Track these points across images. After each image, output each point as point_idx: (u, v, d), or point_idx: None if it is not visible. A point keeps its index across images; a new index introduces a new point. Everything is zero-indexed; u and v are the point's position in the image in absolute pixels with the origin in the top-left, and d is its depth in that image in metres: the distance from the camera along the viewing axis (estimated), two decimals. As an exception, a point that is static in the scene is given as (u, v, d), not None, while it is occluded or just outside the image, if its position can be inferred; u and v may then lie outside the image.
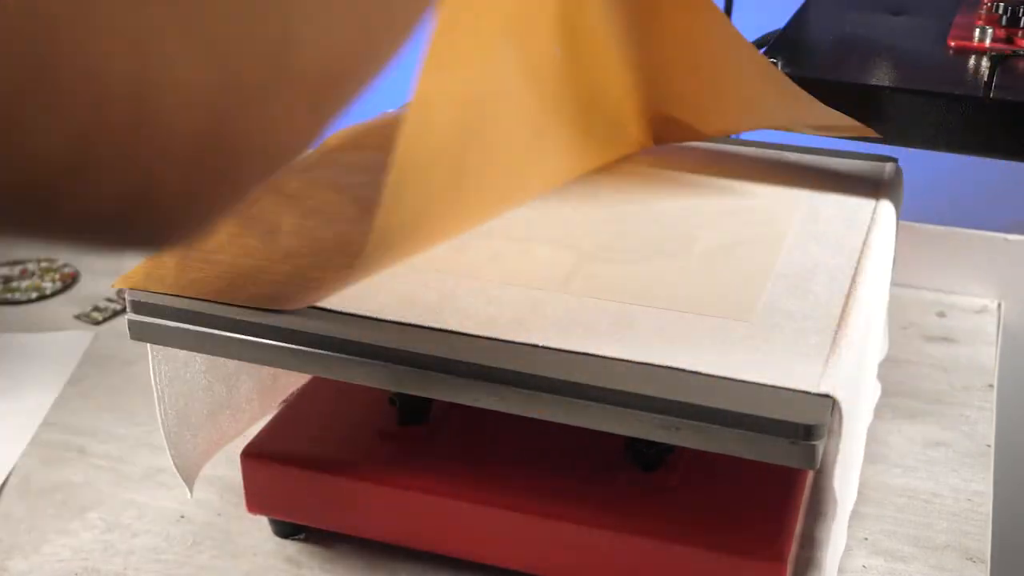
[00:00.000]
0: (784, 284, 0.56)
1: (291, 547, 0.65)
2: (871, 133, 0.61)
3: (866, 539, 0.65)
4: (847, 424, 0.49)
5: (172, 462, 0.62)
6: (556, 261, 0.58)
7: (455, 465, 0.61)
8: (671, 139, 0.69)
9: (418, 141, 0.47)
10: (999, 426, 0.77)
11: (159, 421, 0.60)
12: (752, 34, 0.80)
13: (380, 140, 0.68)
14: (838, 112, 0.60)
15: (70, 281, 0.95)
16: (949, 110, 0.59)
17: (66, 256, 0.99)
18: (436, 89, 0.47)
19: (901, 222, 0.68)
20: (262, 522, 0.66)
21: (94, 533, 0.67)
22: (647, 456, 0.59)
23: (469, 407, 0.53)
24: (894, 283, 0.69)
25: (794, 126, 0.64)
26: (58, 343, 0.86)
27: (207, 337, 0.55)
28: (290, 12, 0.21)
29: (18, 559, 0.65)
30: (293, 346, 0.54)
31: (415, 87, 0.45)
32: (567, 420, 0.50)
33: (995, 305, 0.89)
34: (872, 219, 0.62)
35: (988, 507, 0.67)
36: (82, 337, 0.87)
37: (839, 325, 0.52)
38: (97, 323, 0.89)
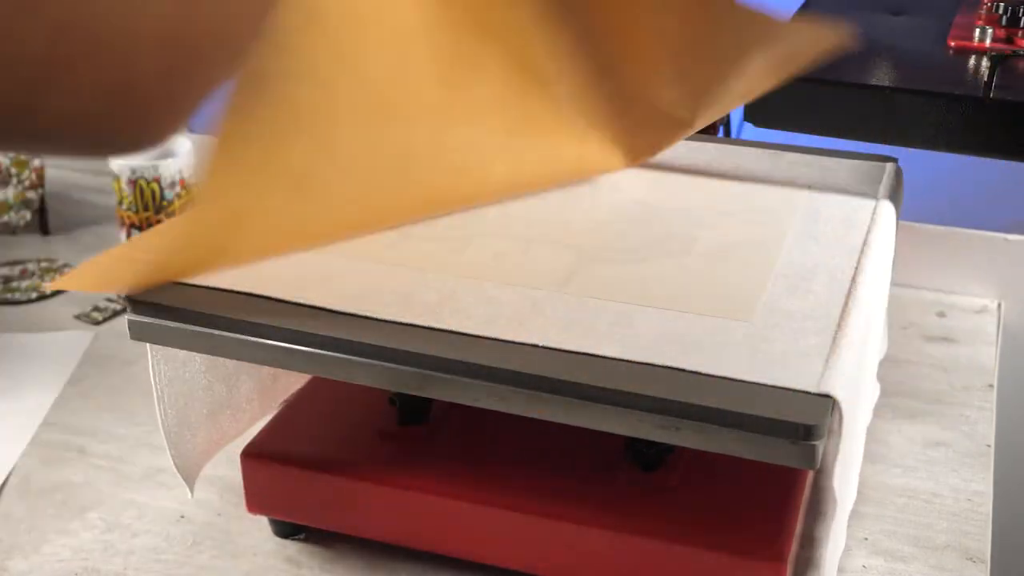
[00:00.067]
0: (784, 284, 0.56)
1: (291, 547, 0.65)
2: (831, 42, 0.58)
3: (866, 539, 0.65)
4: (847, 424, 0.49)
5: (172, 462, 0.62)
6: (556, 261, 0.58)
7: (455, 465, 0.61)
8: (656, 139, 0.67)
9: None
10: (999, 426, 0.77)
11: (159, 421, 0.60)
12: (752, 34, 0.79)
13: None
14: (799, 25, 0.58)
15: (70, 281, 0.95)
16: (949, 110, 0.59)
17: (66, 256, 0.99)
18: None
19: (901, 222, 0.68)
20: (262, 522, 0.66)
21: (94, 533, 0.67)
22: (647, 456, 0.59)
23: (469, 407, 0.53)
24: (894, 283, 0.69)
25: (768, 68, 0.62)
26: (58, 343, 0.86)
27: (207, 337, 0.55)
28: None
29: (18, 559, 0.65)
30: (293, 346, 0.54)
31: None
32: (567, 420, 0.50)
33: (995, 305, 0.89)
34: (872, 219, 0.62)
35: (988, 507, 0.67)
36: (82, 337, 0.87)
37: (839, 325, 0.52)
38: (97, 323, 0.89)
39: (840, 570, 0.62)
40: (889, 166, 0.67)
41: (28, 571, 0.64)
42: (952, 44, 0.65)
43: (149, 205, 0.97)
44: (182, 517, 0.68)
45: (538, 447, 0.62)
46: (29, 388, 0.81)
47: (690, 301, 0.54)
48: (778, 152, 0.70)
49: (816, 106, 0.61)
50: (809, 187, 0.66)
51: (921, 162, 0.74)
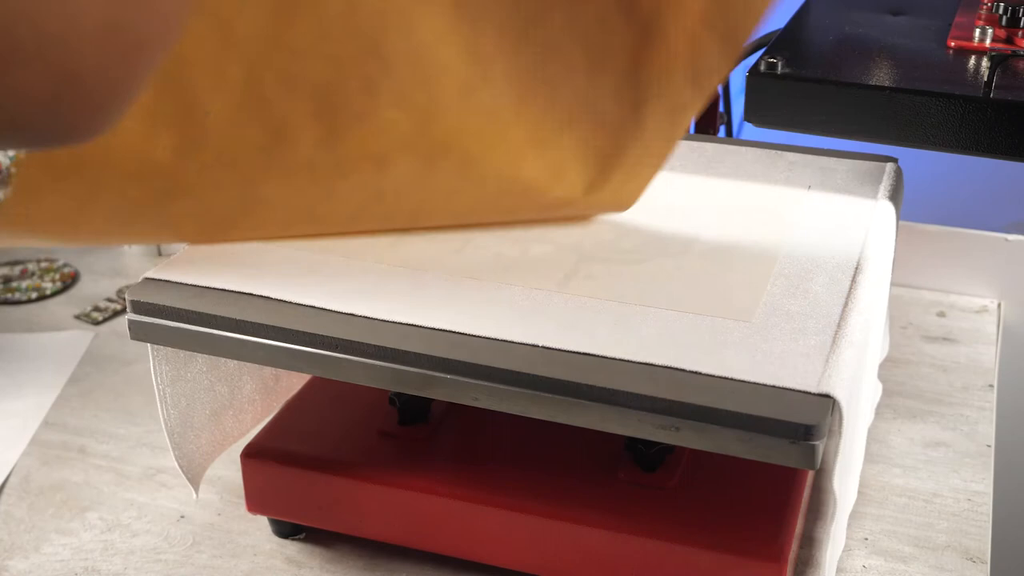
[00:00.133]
0: (784, 284, 0.56)
1: (291, 547, 0.65)
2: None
3: (866, 539, 0.65)
4: (847, 424, 0.49)
5: (176, 463, 0.62)
6: (556, 261, 0.58)
7: (455, 465, 0.61)
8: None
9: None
10: (999, 426, 0.77)
11: (161, 422, 0.60)
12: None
13: None
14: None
15: (70, 281, 0.95)
16: (949, 110, 0.59)
17: (66, 256, 0.99)
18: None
19: (901, 222, 0.68)
20: (262, 522, 0.66)
21: (94, 533, 0.67)
22: (647, 456, 0.59)
23: (469, 407, 0.53)
24: (894, 283, 0.69)
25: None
26: (58, 343, 0.86)
27: (207, 337, 0.55)
28: None
29: (18, 559, 0.65)
30: (293, 346, 0.54)
31: None
32: (567, 420, 0.50)
33: (995, 305, 0.89)
34: (872, 219, 0.62)
35: (988, 507, 0.67)
36: (82, 337, 0.87)
37: (839, 325, 0.52)
38: (97, 323, 0.89)
39: (840, 570, 0.62)
40: (889, 166, 0.67)
41: (28, 571, 0.64)
42: (952, 44, 0.65)
43: (149, 205, 0.97)
44: (182, 517, 0.68)
45: (538, 447, 0.62)
46: (29, 388, 0.81)
47: (690, 301, 0.54)
48: (778, 152, 0.70)
49: (816, 106, 0.61)
50: (809, 187, 0.66)
51: (921, 162, 0.74)
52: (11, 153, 0.44)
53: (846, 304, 0.54)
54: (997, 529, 0.67)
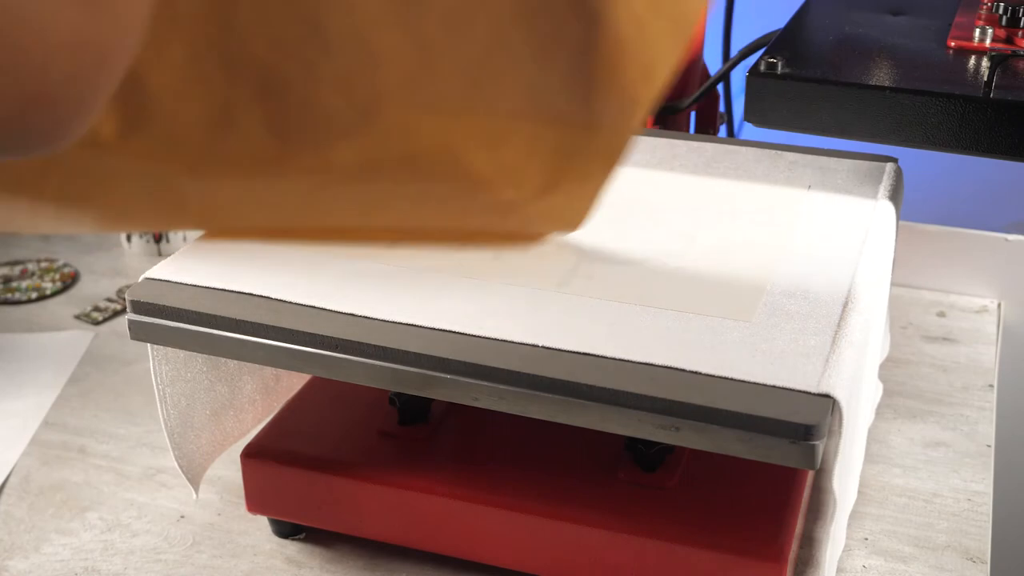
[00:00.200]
0: (784, 284, 0.56)
1: (291, 547, 0.65)
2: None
3: (866, 539, 0.65)
4: (847, 424, 0.49)
5: (176, 463, 0.62)
6: (556, 261, 0.58)
7: (455, 465, 0.61)
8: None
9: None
10: (999, 426, 0.77)
11: (161, 422, 0.60)
12: (752, 34, 0.80)
13: None
14: None
15: (70, 281, 0.95)
16: (949, 110, 0.59)
17: (66, 256, 0.99)
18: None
19: (901, 222, 0.68)
20: (262, 522, 0.66)
21: (94, 533, 0.67)
22: (647, 456, 0.59)
23: (469, 407, 0.53)
24: (894, 283, 0.69)
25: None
26: (58, 343, 0.86)
27: (207, 337, 0.55)
28: None
29: (18, 559, 0.65)
30: (293, 346, 0.54)
31: None
32: (567, 420, 0.50)
33: (995, 305, 0.89)
34: (872, 219, 0.62)
35: (988, 507, 0.67)
36: (82, 337, 0.87)
37: (839, 325, 0.52)
38: (97, 323, 0.89)
39: (840, 570, 0.62)
40: (889, 166, 0.67)
41: (28, 571, 0.64)
42: (952, 44, 0.65)
43: (149, 205, 0.97)
44: (182, 517, 0.68)
45: (538, 447, 0.62)
46: (29, 388, 0.81)
47: (690, 301, 0.54)
48: (778, 152, 0.70)
49: (816, 106, 0.61)
50: (809, 187, 0.66)
51: (921, 162, 0.74)
52: None
53: (846, 304, 0.54)
54: (997, 529, 0.67)
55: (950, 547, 0.64)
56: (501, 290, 0.56)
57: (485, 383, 0.51)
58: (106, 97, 0.30)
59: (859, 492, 0.67)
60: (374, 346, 0.52)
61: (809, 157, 0.69)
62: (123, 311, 0.89)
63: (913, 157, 0.66)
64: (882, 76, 0.62)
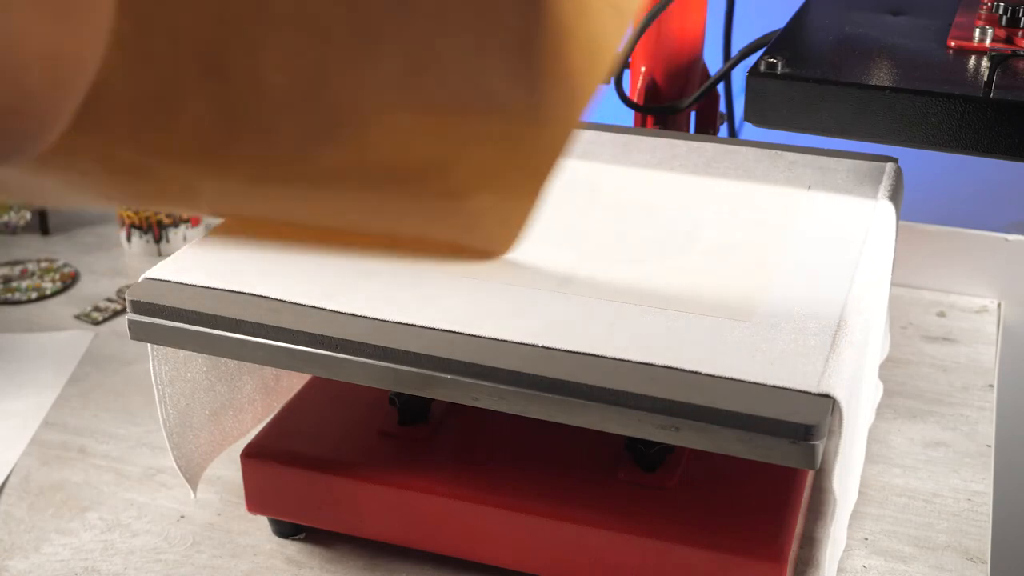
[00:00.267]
0: (784, 284, 0.56)
1: (291, 547, 0.65)
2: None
3: (866, 539, 0.65)
4: (847, 424, 0.49)
5: (175, 463, 0.62)
6: (556, 261, 0.58)
7: (455, 465, 0.61)
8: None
9: None
10: (999, 426, 0.77)
11: (160, 422, 0.60)
12: (752, 34, 0.80)
13: None
14: None
15: (70, 281, 0.95)
16: (949, 110, 0.59)
17: (66, 256, 0.99)
18: None
19: (901, 222, 0.68)
20: (262, 522, 0.66)
21: (94, 533, 0.67)
22: (647, 456, 0.59)
23: (469, 407, 0.53)
24: (894, 283, 0.69)
25: None
26: (58, 343, 0.86)
27: (207, 337, 0.55)
28: None
29: (18, 559, 0.65)
30: (293, 346, 0.54)
31: None
32: (567, 420, 0.50)
33: (995, 305, 0.89)
34: (872, 219, 0.62)
35: (988, 507, 0.67)
36: (82, 337, 0.87)
37: (839, 325, 0.52)
38: (97, 323, 0.89)
39: (840, 570, 0.62)
40: (889, 166, 0.67)
41: (28, 571, 0.64)
42: (952, 44, 0.65)
43: (149, 205, 0.97)
44: (182, 517, 0.68)
45: (538, 447, 0.62)
46: (29, 388, 0.81)
47: (690, 301, 0.54)
48: (778, 152, 0.70)
49: (816, 106, 0.61)
50: (809, 187, 0.66)
51: (921, 162, 0.74)
52: None
53: (846, 304, 0.54)
54: (997, 529, 0.67)
55: (950, 547, 0.64)
56: (501, 290, 0.56)
57: (485, 383, 0.51)
58: (76, 104, 0.30)
59: (859, 492, 0.67)
60: (374, 346, 0.52)
61: (809, 157, 0.69)
62: (123, 311, 0.89)
63: (913, 157, 0.66)
64: (882, 76, 0.62)
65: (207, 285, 0.57)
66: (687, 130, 0.88)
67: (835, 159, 0.69)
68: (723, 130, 0.93)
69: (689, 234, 0.61)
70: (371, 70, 0.49)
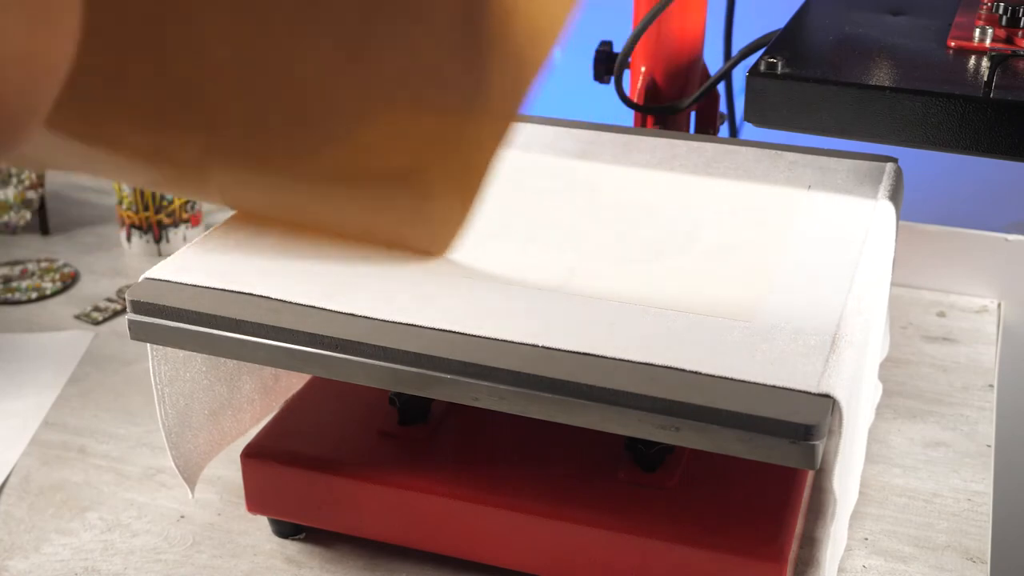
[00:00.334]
0: (784, 284, 0.56)
1: (291, 547, 0.65)
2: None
3: (866, 539, 0.65)
4: (847, 424, 0.49)
5: (173, 463, 0.62)
6: (556, 261, 0.58)
7: (455, 465, 0.61)
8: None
9: None
10: (999, 426, 0.77)
11: (159, 421, 0.60)
12: (752, 34, 0.80)
13: None
14: None
15: (70, 281, 0.95)
16: (949, 110, 0.59)
17: (66, 256, 0.99)
18: None
19: (901, 222, 0.68)
20: (262, 522, 0.66)
21: (94, 533, 0.67)
22: (647, 456, 0.59)
23: (469, 407, 0.53)
24: (894, 283, 0.69)
25: None
26: (58, 343, 0.86)
27: (207, 337, 0.55)
28: None
29: (18, 559, 0.65)
30: (293, 346, 0.54)
31: None
32: (567, 420, 0.50)
33: (995, 305, 0.89)
34: (872, 219, 0.62)
35: (988, 507, 0.67)
36: (82, 337, 0.87)
37: (839, 325, 0.52)
38: (97, 323, 0.89)
39: (840, 570, 0.62)
40: (889, 166, 0.67)
41: (28, 571, 0.64)
42: (952, 44, 0.65)
43: (149, 205, 0.97)
44: (182, 517, 0.68)
45: (538, 447, 0.62)
46: (29, 388, 0.81)
47: (690, 301, 0.54)
48: (778, 152, 0.70)
49: (816, 106, 0.61)
50: (809, 187, 0.66)
51: (921, 162, 0.74)
52: None
53: (846, 304, 0.54)
54: (997, 529, 0.67)
55: (950, 547, 0.64)
56: (501, 290, 0.56)
57: (485, 383, 0.51)
58: (50, 103, 0.31)
59: (859, 492, 0.67)
60: (374, 346, 0.52)
61: (809, 157, 0.69)
62: (123, 311, 0.89)
63: (913, 157, 0.66)
64: (882, 76, 0.62)
65: (207, 285, 0.57)
66: (687, 130, 0.88)
67: (835, 159, 0.69)
68: (723, 130, 0.93)
69: (689, 234, 0.61)
70: (309, 48, 0.48)
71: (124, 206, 0.97)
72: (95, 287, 0.94)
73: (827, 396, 0.47)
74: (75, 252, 1.00)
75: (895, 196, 0.65)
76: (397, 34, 0.50)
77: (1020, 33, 0.65)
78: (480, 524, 0.59)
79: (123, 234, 0.99)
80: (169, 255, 0.62)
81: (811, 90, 0.61)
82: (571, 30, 0.52)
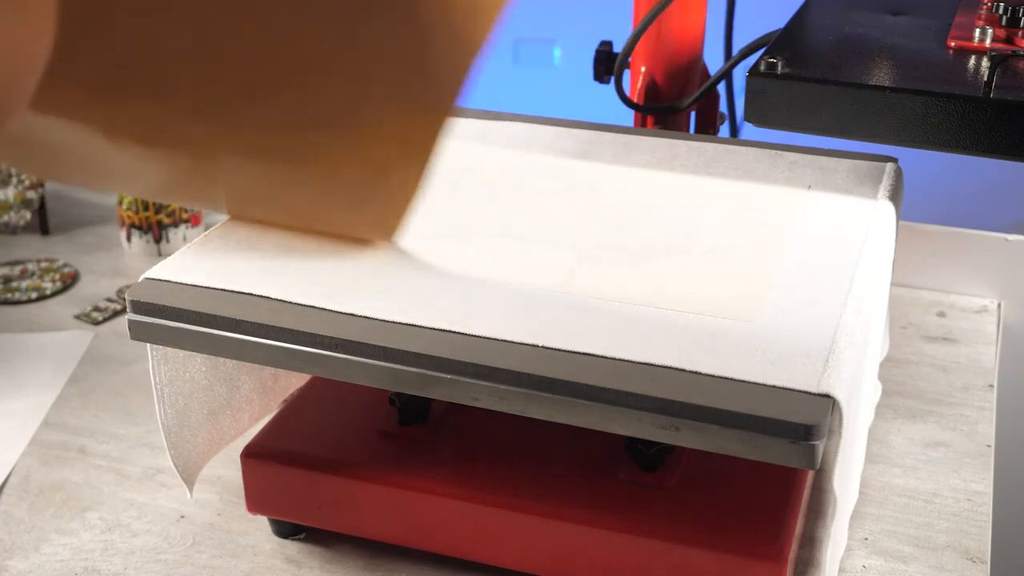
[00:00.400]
0: (784, 284, 0.56)
1: (291, 547, 0.65)
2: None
3: (866, 539, 0.65)
4: (847, 424, 0.49)
5: (172, 462, 0.62)
6: (556, 261, 0.58)
7: (455, 465, 0.61)
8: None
9: None
10: (999, 426, 0.77)
11: (159, 421, 0.60)
12: (752, 34, 0.80)
13: None
14: None
15: (70, 281, 0.95)
16: (949, 110, 0.59)
17: (66, 256, 0.99)
18: None
19: (901, 222, 0.68)
20: (262, 522, 0.66)
21: (94, 533, 0.67)
22: (647, 456, 0.59)
23: (469, 407, 0.53)
24: (894, 283, 0.69)
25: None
26: (58, 343, 0.86)
27: (207, 337, 0.55)
28: None
29: (18, 559, 0.65)
30: (293, 346, 0.54)
31: None
32: (567, 420, 0.50)
33: (995, 305, 0.89)
34: (872, 219, 0.62)
35: (988, 507, 0.67)
36: (82, 337, 0.87)
37: (839, 325, 0.52)
38: (97, 323, 0.89)
39: (840, 570, 0.62)
40: (889, 166, 0.67)
41: (28, 571, 0.64)
42: (952, 44, 0.65)
43: (149, 205, 0.97)
44: (182, 517, 0.68)
45: (538, 447, 0.62)
46: (29, 388, 0.81)
47: (690, 301, 0.54)
48: (778, 152, 0.70)
49: (816, 106, 0.61)
50: (809, 187, 0.66)
51: (921, 162, 0.74)
52: None
53: (846, 304, 0.54)
54: (997, 529, 0.67)
55: (950, 547, 0.64)
56: (501, 290, 0.56)
57: (485, 383, 0.51)
58: (29, 97, 0.31)
59: (859, 492, 0.67)
60: (374, 346, 0.52)
61: (809, 157, 0.69)
62: (123, 311, 0.89)
63: (913, 157, 0.66)
64: (882, 76, 0.62)
65: (207, 285, 0.57)
66: (687, 130, 0.88)
67: (835, 159, 0.69)
68: (723, 130, 0.93)
69: (689, 234, 0.61)
70: (253, 23, 0.49)
71: (124, 206, 0.97)
72: (95, 287, 0.94)
73: (827, 396, 0.47)
74: (75, 252, 1.00)
75: (895, 196, 0.65)
76: (337, 8, 0.50)
77: (1020, 33, 0.65)
78: (480, 524, 0.59)
79: (123, 234, 0.99)
80: (169, 255, 0.62)
81: (811, 90, 0.61)
82: (510, 10, 0.52)
